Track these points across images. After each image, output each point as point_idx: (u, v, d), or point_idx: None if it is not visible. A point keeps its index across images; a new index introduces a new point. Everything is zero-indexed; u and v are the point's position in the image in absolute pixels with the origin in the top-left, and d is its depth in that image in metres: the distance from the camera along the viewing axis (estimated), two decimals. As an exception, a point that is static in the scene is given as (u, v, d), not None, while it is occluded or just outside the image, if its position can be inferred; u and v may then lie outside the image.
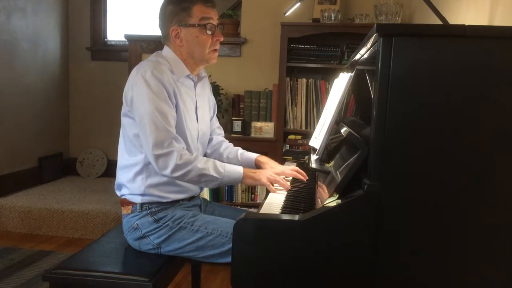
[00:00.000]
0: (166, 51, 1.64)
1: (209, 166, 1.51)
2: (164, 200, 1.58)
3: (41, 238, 3.13)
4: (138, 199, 1.57)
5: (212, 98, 1.86)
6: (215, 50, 1.64)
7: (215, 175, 1.51)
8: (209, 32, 1.58)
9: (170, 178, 1.52)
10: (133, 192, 1.58)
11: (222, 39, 1.63)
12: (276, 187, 1.58)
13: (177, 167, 1.46)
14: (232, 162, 1.81)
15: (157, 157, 1.46)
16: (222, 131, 1.95)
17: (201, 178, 1.51)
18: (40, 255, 2.80)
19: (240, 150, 1.86)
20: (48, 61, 4.01)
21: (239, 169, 1.57)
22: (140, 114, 1.49)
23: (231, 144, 1.90)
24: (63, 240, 3.13)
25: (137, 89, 1.50)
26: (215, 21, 1.61)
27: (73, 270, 1.46)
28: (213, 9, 1.61)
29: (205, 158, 1.56)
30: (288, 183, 1.59)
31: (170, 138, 1.47)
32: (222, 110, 3.00)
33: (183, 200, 1.64)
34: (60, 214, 3.18)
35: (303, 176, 1.68)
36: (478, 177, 0.99)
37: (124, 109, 1.58)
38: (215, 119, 1.92)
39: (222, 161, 1.85)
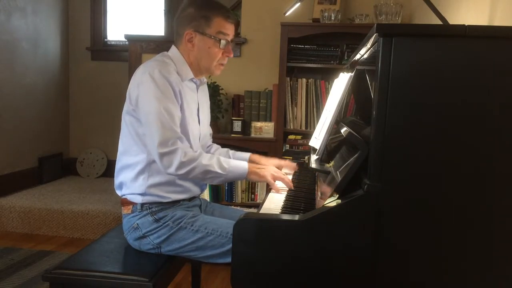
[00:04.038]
0: (174, 51, 1.63)
1: (214, 163, 1.52)
2: (165, 200, 1.58)
3: (41, 238, 3.13)
4: (138, 199, 1.57)
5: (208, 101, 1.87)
6: (222, 64, 1.65)
7: (219, 171, 1.52)
8: (221, 47, 1.59)
9: (175, 176, 1.52)
10: (134, 192, 1.58)
11: (232, 56, 1.65)
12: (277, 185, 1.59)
13: (181, 165, 1.46)
14: None
15: (162, 155, 1.46)
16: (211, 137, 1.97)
17: (206, 175, 1.51)
18: (40, 255, 2.80)
19: (230, 151, 1.87)
20: (48, 61, 4.01)
21: (243, 165, 1.57)
22: (146, 113, 1.48)
23: (219, 146, 1.93)
24: (63, 240, 3.13)
25: (144, 88, 1.49)
26: (231, 37, 1.61)
27: (73, 270, 1.46)
28: (232, 24, 1.61)
29: (209, 154, 1.57)
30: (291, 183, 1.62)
31: (175, 137, 1.48)
32: (222, 110, 3.00)
33: (183, 200, 1.63)
34: (60, 214, 3.18)
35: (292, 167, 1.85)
36: (478, 177, 0.99)
37: (127, 107, 1.57)
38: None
39: None
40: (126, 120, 1.58)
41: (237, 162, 1.58)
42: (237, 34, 3.13)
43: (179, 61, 1.61)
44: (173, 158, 1.46)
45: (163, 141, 1.45)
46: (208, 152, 1.87)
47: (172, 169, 1.47)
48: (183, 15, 1.60)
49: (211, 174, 1.52)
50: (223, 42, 1.58)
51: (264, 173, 1.58)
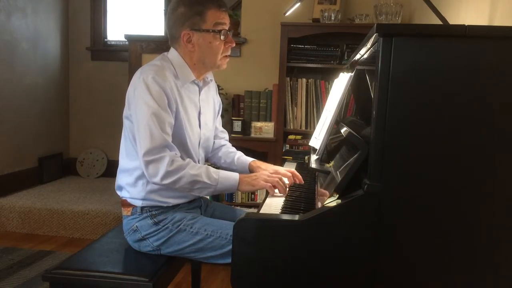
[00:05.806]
0: (173, 54, 1.59)
1: (202, 172, 1.47)
2: (165, 205, 1.56)
3: (41, 238, 3.13)
4: (138, 203, 1.56)
5: (218, 98, 1.82)
6: (227, 56, 1.61)
7: (208, 181, 1.47)
8: (222, 38, 1.54)
9: (160, 186, 1.48)
10: (133, 196, 1.56)
11: (234, 44, 1.60)
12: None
13: (167, 174, 1.42)
14: (229, 166, 1.79)
15: (148, 163, 1.42)
16: (225, 135, 1.92)
17: (193, 185, 1.46)
18: (40, 255, 2.80)
19: (238, 155, 1.82)
20: (48, 61, 4.01)
21: (234, 176, 1.52)
22: (137, 118, 1.46)
23: (232, 148, 1.87)
24: (63, 240, 3.13)
25: (137, 93, 1.47)
26: (227, 26, 1.57)
27: (73, 270, 1.46)
28: (226, 13, 1.57)
29: (199, 164, 1.53)
30: (287, 189, 1.56)
31: (163, 146, 1.44)
32: (222, 110, 3.00)
33: (183, 203, 1.62)
34: (60, 214, 3.18)
35: (298, 179, 1.66)
36: (478, 177, 0.99)
37: (125, 112, 1.55)
38: (219, 123, 1.88)
39: (220, 165, 1.84)
40: (125, 124, 1.56)
41: (228, 173, 1.52)
42: (237, 34, 3.14)
43: (179, 64, 1.57)
44: (159, 166, 1.42)
45: (150, 149, 1.42)
46: (217, 152, 1.83)
47: (157, 178, 1.43)
48: (175, 16, 1.56)
49: (199, 185, 1.46)
50: (222, 33, 1.54)
51: (257, 181, 1.53)
